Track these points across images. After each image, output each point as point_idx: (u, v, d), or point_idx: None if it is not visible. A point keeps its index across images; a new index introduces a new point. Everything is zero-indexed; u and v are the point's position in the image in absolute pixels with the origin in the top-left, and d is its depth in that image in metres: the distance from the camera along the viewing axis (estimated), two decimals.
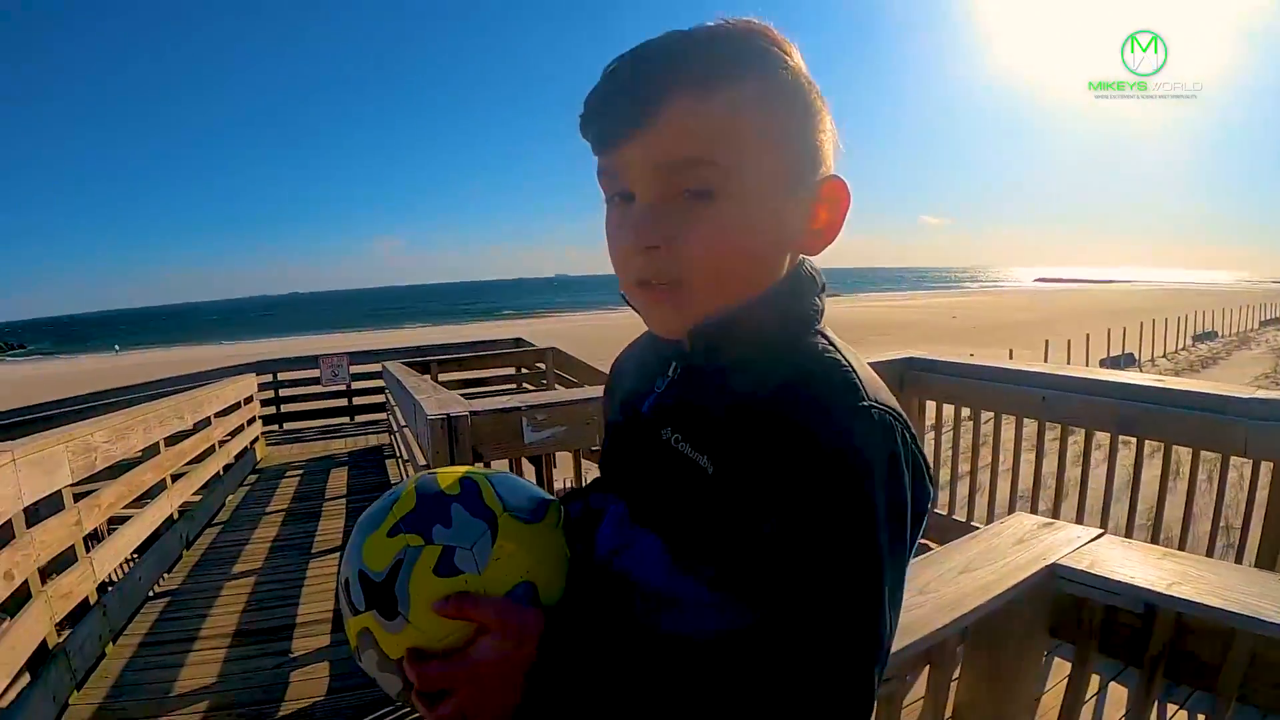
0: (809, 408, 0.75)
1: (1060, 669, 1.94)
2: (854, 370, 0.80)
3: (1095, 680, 2.19)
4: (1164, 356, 17.25)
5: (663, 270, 0.81)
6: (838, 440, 0.72)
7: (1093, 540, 1.75)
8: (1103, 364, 14.60)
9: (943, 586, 1.56)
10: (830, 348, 0.84)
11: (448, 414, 3.13)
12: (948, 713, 1.70)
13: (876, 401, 0.76)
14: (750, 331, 0.84)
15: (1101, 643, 1.65)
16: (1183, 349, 20.14)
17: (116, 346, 71.05)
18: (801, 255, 0.89)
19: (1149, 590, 1.51)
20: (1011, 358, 10.27)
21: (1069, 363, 12.12)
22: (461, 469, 0.91)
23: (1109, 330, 15.48)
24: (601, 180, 0.86)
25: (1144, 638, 1.54)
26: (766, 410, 0.77)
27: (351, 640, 0.88)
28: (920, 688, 1.68)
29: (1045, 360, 11.82)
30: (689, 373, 0.90)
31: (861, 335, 28.12)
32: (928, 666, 1.59)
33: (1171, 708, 2.26)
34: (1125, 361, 15.05)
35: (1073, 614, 1.66)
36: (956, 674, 1.72)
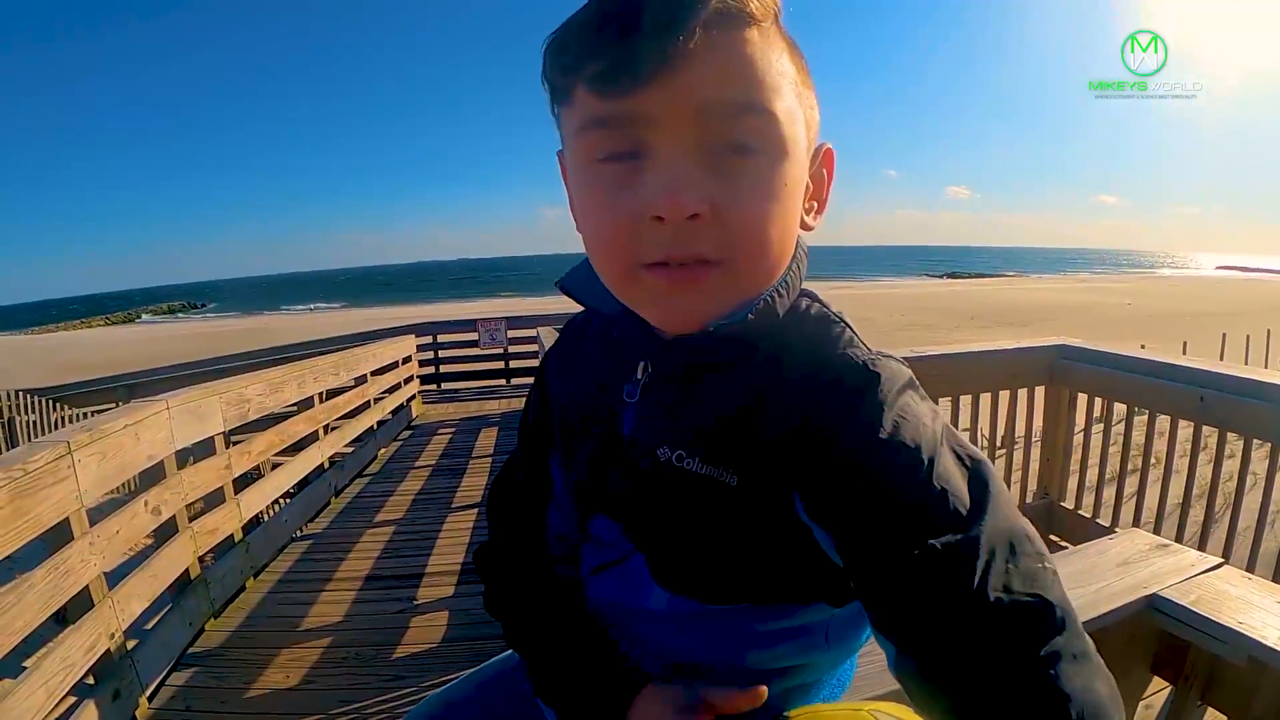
0: (847, 405, 0.66)
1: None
2: (850, 327, 0.75)
3: None
4: None
5: (699, 245, 0.66)
6: (891, 430, 0.64)
7: (1208, 570, 1.49)
8: None
9: None
10: (827, 311, 0.77)
11: None
12: None
13: (884, 355, 0.71)
14: (768, 321, 0.74)
15: (1205, 691, 1.42)
16: None
17: (312, 306, 75.75)
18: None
19: (1257, 641, 1.25)
20: (1185, 352, 9.52)
21: (1247, 361, 11.10)
22: None
23: None
24: (589, 134, 0.68)
25: (1250, 693, 1.32)
26: (805, 410, 0.68)
27: None
28: None
29: (1221, 357, 10.90)
30: (672, 375, 0.78)
31: (1028, 318, 26.71)
32: None
33: None
34: None
35: (1177, 654, 1.43)
36: None
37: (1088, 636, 0.60)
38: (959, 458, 0.65)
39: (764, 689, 0.70)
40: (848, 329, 0.75)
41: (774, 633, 0.76)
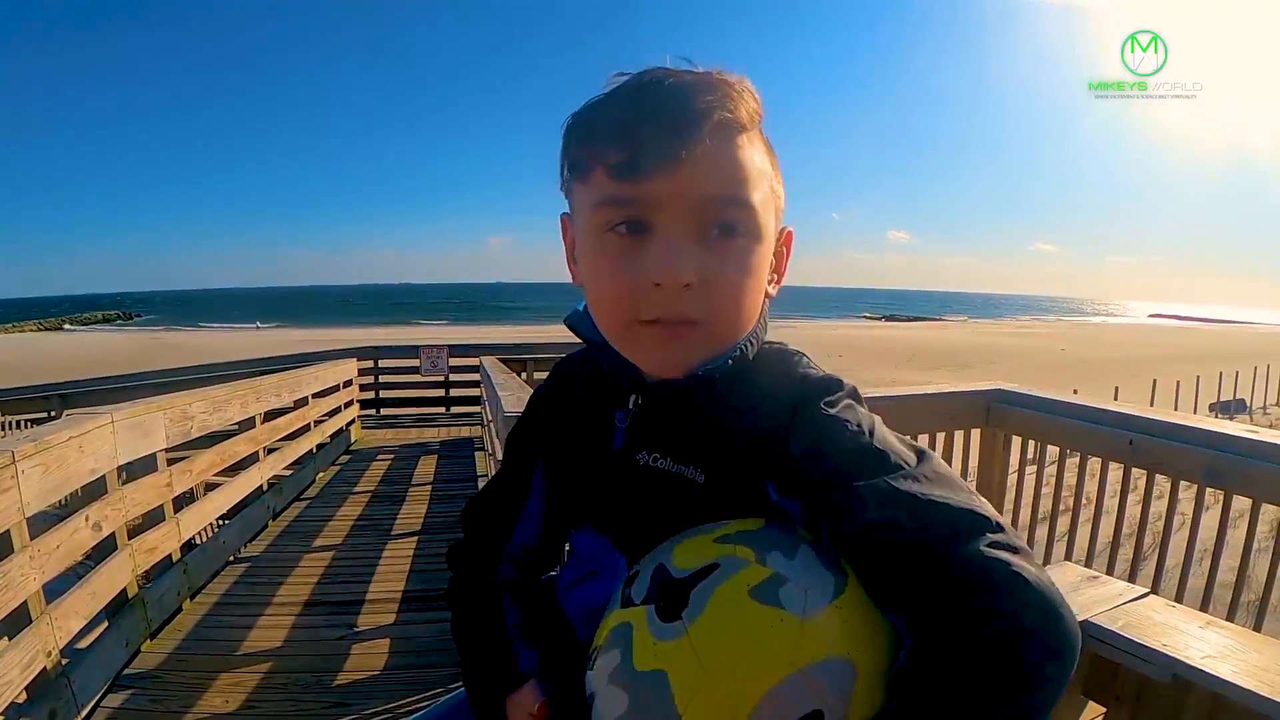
0: (804, 402, 0.83)
1: None
2: (805, 355, 0.93)
3: None
4: (1277, 404, 16.25)
5: (688, 308, 0.81)
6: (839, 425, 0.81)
7: (1135, 599, 1.64)
8: (1212, 409, 13.85)
9: None
10: (784, 346, 0.95)
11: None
12: None
13: (832, 374, 0.89)
14: (743, 366, 0.89)
15: (1134, 711, 1.52)
16: None
17: (258, 323, 74.52)
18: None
19: (1179, 661, 1.39)
20: (1117, 397, 9.83)
21: (1176, 406, 11.51)
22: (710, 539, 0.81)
23: (1221, 373, 14.66)
24: (603, 210, 0.83)
25: (1176, 712, 1.43)
26: (753, 403, 0.86)
27: (599, 636, 0.81)
28: None
29: (1152, 402, 11.27)
30: (660, 400, 0.93)
31: (966, 361, 27.44)
32: None
33: None
34: (1236, 407, 14.20)
35: (1106, 676, 1.55)
36: None
37: (1022, 541, 0.73)
38: (900, 440, 0.81)
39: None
40: (803, 357, 0.92)
41: None
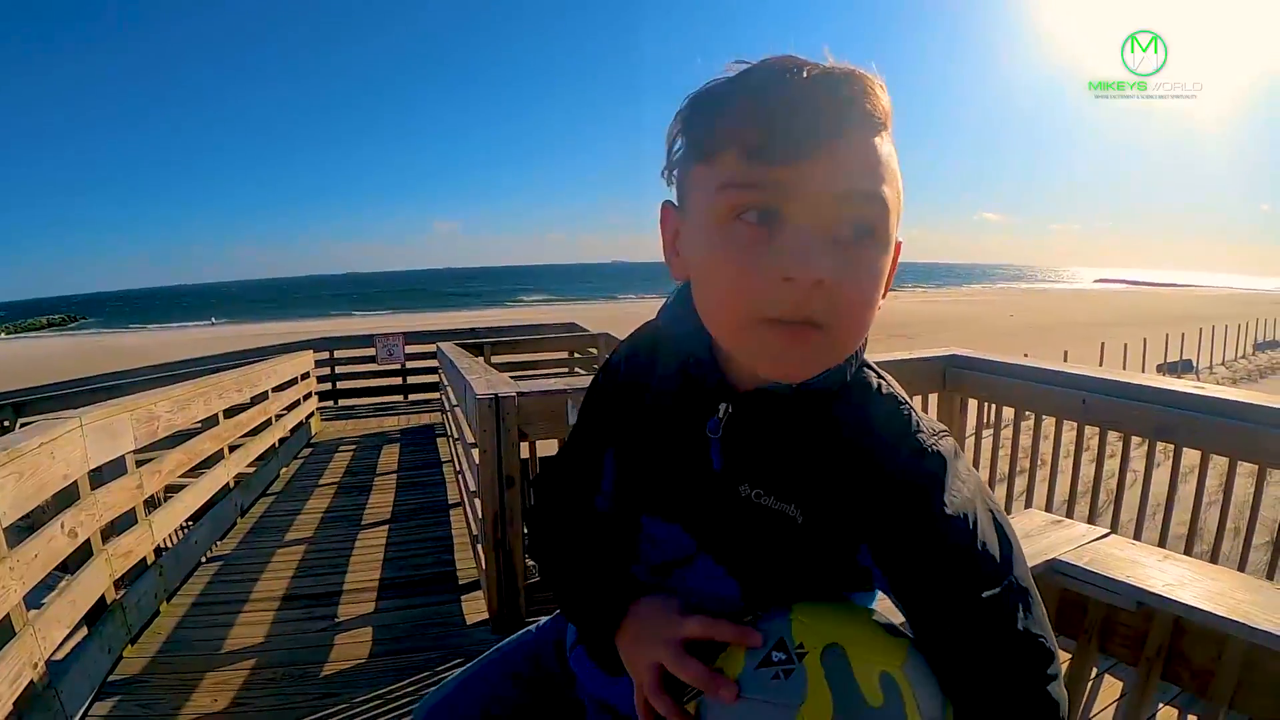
0: (919, 484, 0.81)
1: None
2: (914, 409, 0.88)
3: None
4: (1222, 364, 16.77)
5: (814, 309, 0.74)
6: (925, 480, 0.81)
7: (1098, 539, 1.76)
8: (1160, 369, 14.25)
9: None
10: (894, 391, 0.90)
11: (496, 394, 3.23)
12: None
13: (939, 433, 0.85)
14: (836, 381, 0.87)
15: (1101, 640, 1.65)
16: (1242, 357, 19.52)
17: (213, 319, 73.32)
18: None
19: (1143, 590, 1.51)
20: (1066, 359, 10.06)
21: (1125, 367, 11.83)
22: (879, 656, 0.78)
23: (1167, 335, 15.09)
24: (731, 193, 0.75)
25: (1141, 638, 1.55)
26: (861, 459, 0.83)
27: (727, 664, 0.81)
28: None
29: (1100, 363, 11.55)
30: (754, 417, 0.89)
31: (916, 330, 27.78)
32: None
33: (1168, 710, 2.26)
34: (1183, 368, 14.64)
35: (1075, 611, 1.66)
36: None
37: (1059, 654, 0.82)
38: (991, 516, 0.82)
39: (758, 635, 0.82)
40: (913, 411, 0.87)
41: None
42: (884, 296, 0.87)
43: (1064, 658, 1.77)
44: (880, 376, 0.91)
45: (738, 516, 0.89)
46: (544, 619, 1.31)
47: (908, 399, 0.89)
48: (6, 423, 7.63)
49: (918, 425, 0.85)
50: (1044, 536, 1.77)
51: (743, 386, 0.89)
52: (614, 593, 0.96)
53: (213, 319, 73.69)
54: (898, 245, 0.85)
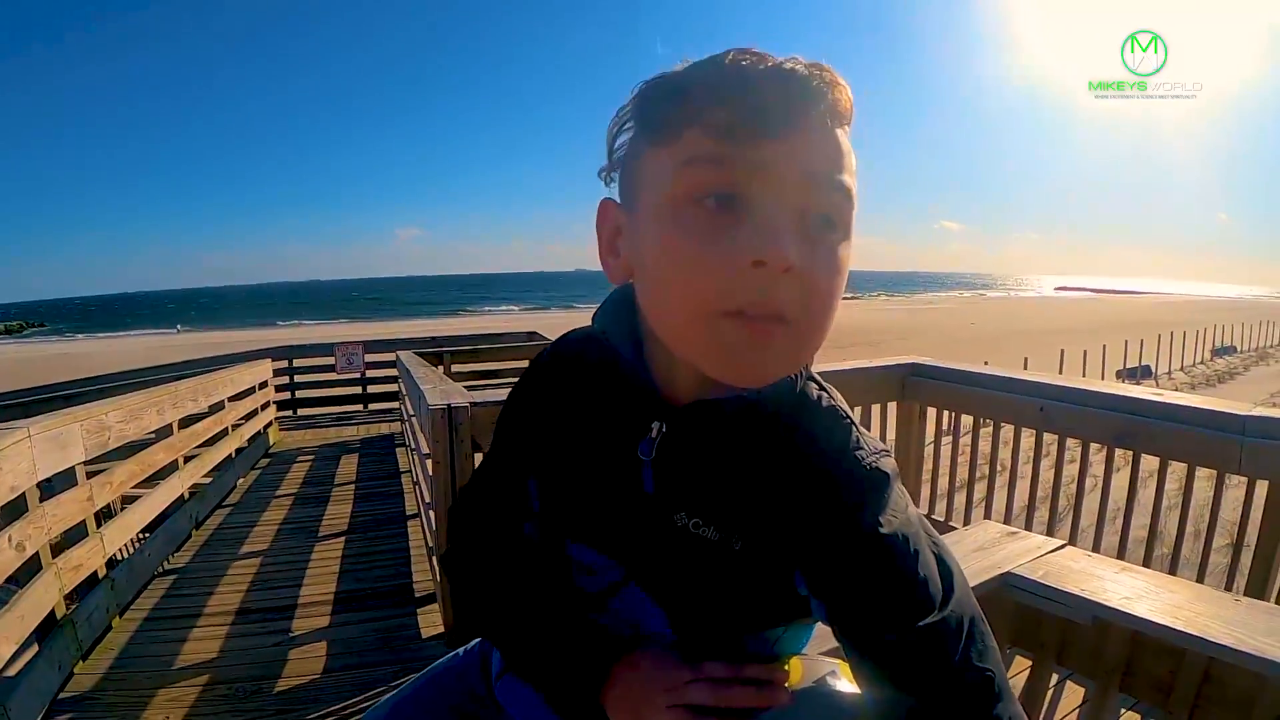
0: (854, 504, 0.76)
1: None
2: (856, 425, 0.83)
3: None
4: (1181, 370, 17.12)
5: (783, 299, 0.69)
6: (869, 509, 0.76)
7: (1054, 551, 1.74)
8: (1119, 375, 14.52)
9: None
10: (836, 405, 0.84)
11: (449, 404, 3.21)
12: None
13: (880, 451, 0.81)
14: (776, 394, 0.80)
15: (1059, 653, 1.64)
16: (1201, 363, 19.95)
17: (179, 326, 72.48)
18: None
19: (1098, 604, 1.49)
20: (1026, 367, 10.21)
21: (1084, 374, 12.03)
22: None
23: (1126, 342, 15.38)
24: (695, 169, 0.70)
25: (1098, 651, 1.53)
26: (797, 477, 0.78)
27: None
28: None
29: (1060, 370, 11.73)
30: (690, 437, 0.83)
31: (877, 339, 28.09)
32: None
33: (1130, 715, 2.28)
34: (1141, 374, 14.93)
35: (1031, 624, 1.64)
36: None
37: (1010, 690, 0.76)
38: (933, 542, 0.78)
39: (786, 694, 0.82)
40: (855, 427, 0.82)
41: (768, 639, 0.89)
42: None
43: (1023, 667, 1.79)
44: (823, 389, 0.86)
45: (672, 546, 0.83)
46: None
47: (850, 413, 0.85)
48: None
49: (858, 441, 0.80)
50: (999, 549, 1.75)
51: (680, 400, 0.83)
52: (591, 650, 0.87)
53: (178, 326, 72.77)
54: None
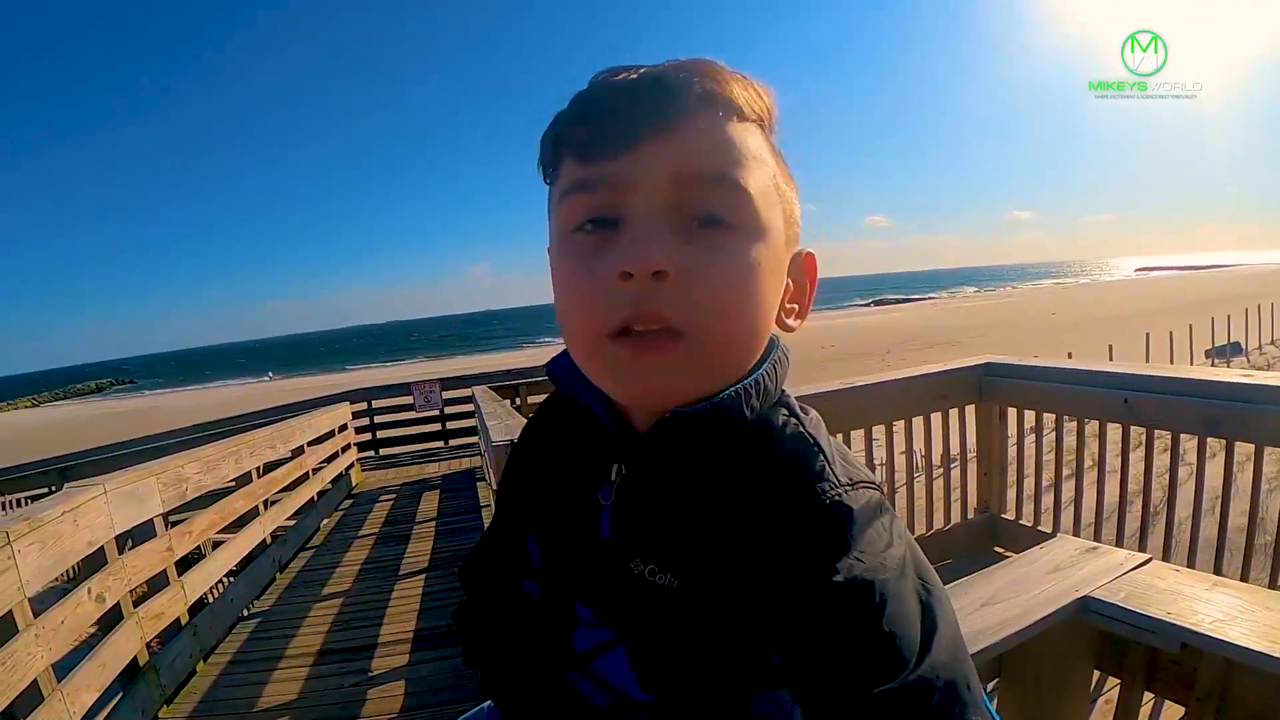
0: (810, 547, 0.66)
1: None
2: (826, 453, 0.72)
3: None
4: (1273, 344, 16.24)
5: (664, 308, 0.65)
6: (838, 550, 0.65)
7: (1138, 568, 1.56)
8: (1207, 355, 13.87)
9: (959, 622, 1.38)
10: (803, 431, 0.75)
11: (512, 439, 3.22)
12: None
13: (855, 483, 0.70)
14: (737, 427, 0.73)
15: (1147, 679, 1.47)
16: None
17: (270, 374, 75.37)
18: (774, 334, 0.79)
19: (1186, 629, 1.32)
20: (1111, 356, 9.85)
21: (1172, 358, 11.55)
22: None
23: (1213, 319, 14.68)
24: (570, 200, 0.70)
25: (1189, 678, 1.37)
26: (751, 514, 0.69)
27: None
28: None
29: (1146, 356, 11.29)
30: (644, 478, 0.78)
31: (958, 337, 27.47)
32: None
33: None
34: (1231, 351, 14.15)
35: (1114, 649, 1.50)
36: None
37: None
38: (923, 589, 0.68)
39: None
40: (822, 456, 0.72)
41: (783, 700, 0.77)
42: (798, 316, 0.80)
43: (1112, 685, 1.68)
44: (793, 415, 0.77)
45: (631, 596, 0.76)
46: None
47: (822, 439, 0.75)
48: (54, 487, 7.79)
49: (823, 472, 0.70)
50: (1077, 569, 1.60)
51: (639, 438, 0.78)
52: None
53: (270, 374, 75.26)
54: (805, 256, 0.79)
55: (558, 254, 0.72)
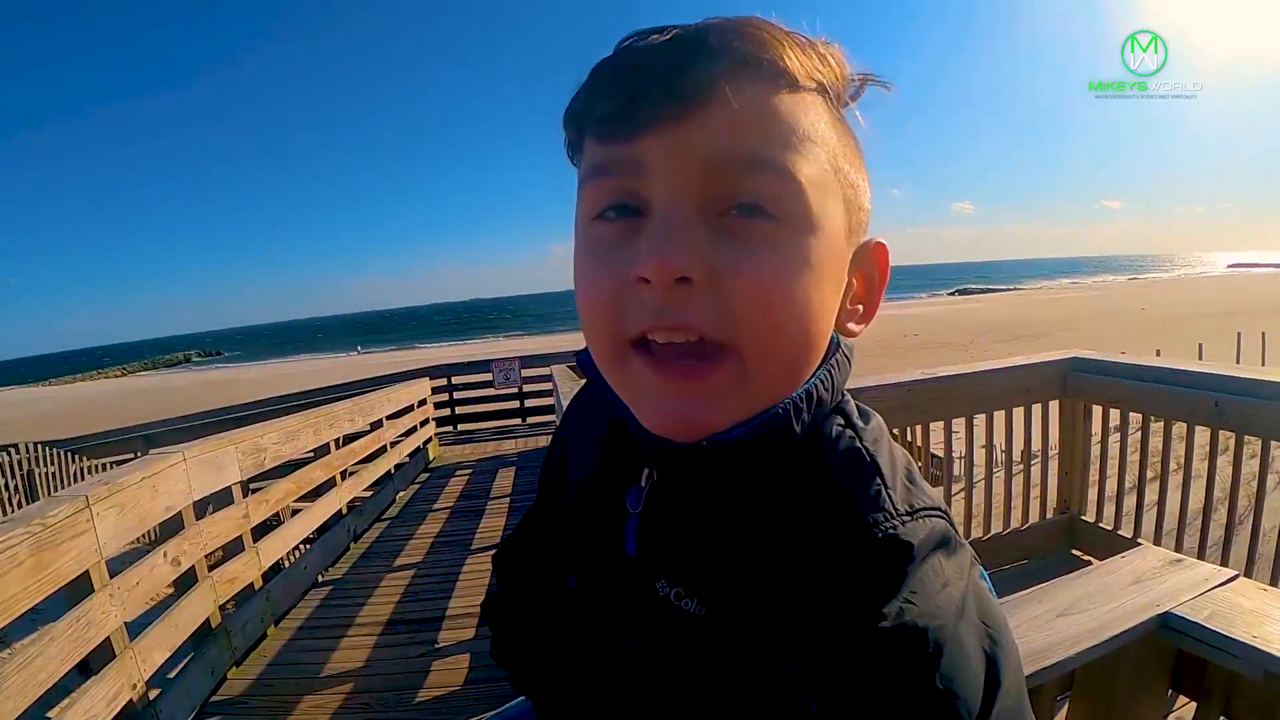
0: (857, 586, 0.56)
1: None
2: (883, 474, 0.61)
3: None
4: None
5: (693, 317, 0.55)
6: (893, 595, 0.55)
7: (1222, 585, 1.42)
8: None
9: (1033, 631, 1.31)
10: (860, 446, 0.63)
11: None
12: None
13: (916, 512, 0.59)
14: (787, 439, 0.62)
15: (1227, 706, 1.35)
16: None
17: (359, 348, 78.20)
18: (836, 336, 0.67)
19: (1272, 655, 1.19)
20: (1201, 355, 9.45)
21: (1264, 359, 11.02)
22: None
23: None
24: (590, 185, 0.60)
25: (1270, 710, 1.25)
26: (794, 542, 0.59)
27: None
28: None
29: (1238, 357, 10.79)
30: (677, 490, 0.67)
31: (1042, 331, 26.75)
32: None
33: None
34: None
35: (1193, 670, 1.37)
36: None
37: None
38: (987, 637, 0.58)
39: None
40: (879, 478, 0.61)
41: None
42: (862, 319, 0.68)
43: (1183, 703, 1.56)
44: (850, 424, 0.66)
45: (655, 622, 0.66)
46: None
47: (881, 456, 0.63)
48: (139, 453, 8.09)
49: (878, 498, 0.59)
50: (1158, 582, 1.47)
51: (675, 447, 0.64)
52: None
53: (358, 348, 77.47)
54: (874, 246, 0.67)
55: (577, 244, 0.63)
